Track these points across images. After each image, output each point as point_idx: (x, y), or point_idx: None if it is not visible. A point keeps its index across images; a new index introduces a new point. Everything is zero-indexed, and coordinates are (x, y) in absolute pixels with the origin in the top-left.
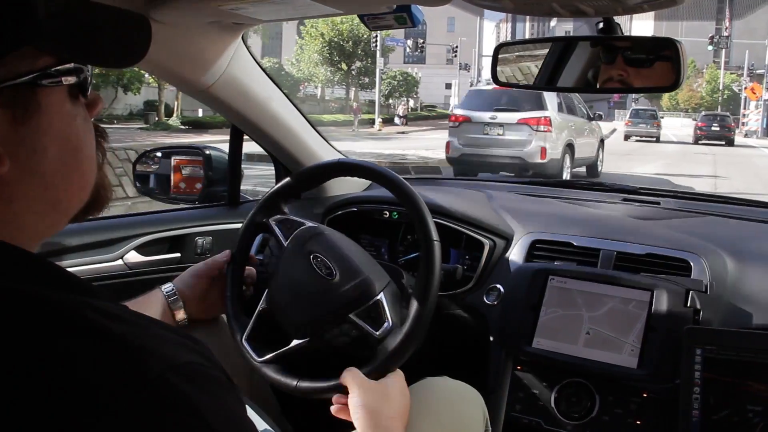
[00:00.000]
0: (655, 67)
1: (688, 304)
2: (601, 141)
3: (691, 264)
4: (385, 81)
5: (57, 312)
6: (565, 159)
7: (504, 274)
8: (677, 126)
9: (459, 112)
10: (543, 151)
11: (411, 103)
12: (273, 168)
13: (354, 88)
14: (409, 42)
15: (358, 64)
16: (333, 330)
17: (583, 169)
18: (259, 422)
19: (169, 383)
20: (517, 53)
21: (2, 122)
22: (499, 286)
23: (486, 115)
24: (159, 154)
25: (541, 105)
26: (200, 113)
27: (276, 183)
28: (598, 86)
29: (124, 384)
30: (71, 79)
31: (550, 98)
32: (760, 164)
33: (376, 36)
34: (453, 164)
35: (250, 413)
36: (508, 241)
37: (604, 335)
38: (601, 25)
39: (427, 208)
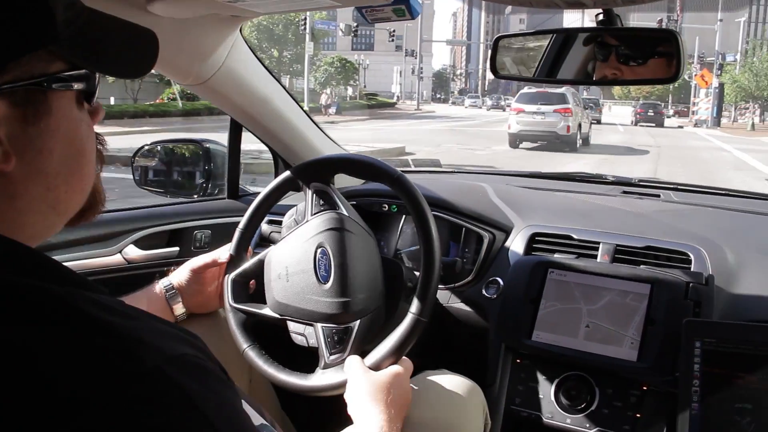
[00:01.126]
0: (649, 64)
1: (688, 297)
2: (590, 123)
3: (691, 256)
4: (321, 68)
5: (54, 304)
6: (577, 133)
7: (503, 268)
8: (627, 114)
9: (515, 105)
10: (568, 128)
11: (350, 91)
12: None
13: (288, 76)
14: (342, 25)
15: (291, 50)
16: (299, 326)
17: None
18: (256, 418)
19: (164, 375)
20: (516, 45)
21: (13, 121)
22: (498, 279)
23: (533, 107)
24: (158, 147)
25: (565, 101)
26: (111, 101)
27: (275, 176)
28: (595, 79)
29: (120, 376)
30: (80, 86)
31: (570, 96)
32: (708, 158)
33: (305, 18)
34: (512, 137)
35: (247, 409)
36: (507, 234)
37: (603, 328)
38: (600, 16)
39: (426, 203)
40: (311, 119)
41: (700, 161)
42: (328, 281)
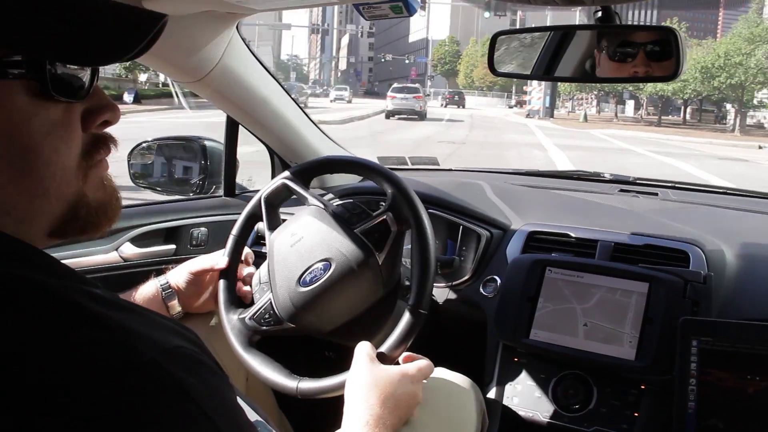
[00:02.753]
0: (672, 59)
1: (686, 296)
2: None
3: (690, 255)
4: None
5: (49, 296)
6: (425, 110)
7: (501, 266)
8: (471, 104)
9: (390, 94)
10: (420, 107)
11: (143, 77)
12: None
13: None
14: None
15: None
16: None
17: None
18: (251, 414)
19: (160, 367)
20: (514, 42)
21: None
22: (496, 277)
23: (401, 95)
24: (154, 144)
25: (418, 91)
26: None
27: (272, 175)
28: (599, 75)
29: (116, 367)
30: (24, 74)
31: (420, 88)
32: (499, 124)
33: None
34: (388, 112)
35: (241, 405)
36: (505, 232)
37: (601, 327)
38: (599, 14)
39: (420, 202)
40: (308, 117)
41: (497, 125)
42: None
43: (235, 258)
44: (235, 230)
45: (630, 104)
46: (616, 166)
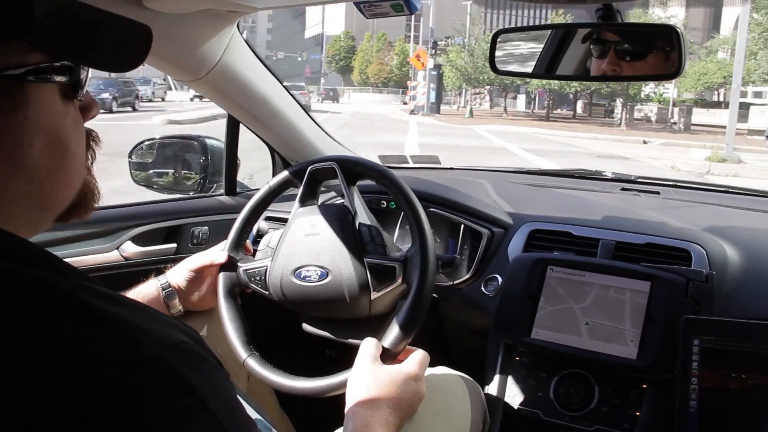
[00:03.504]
0: (648, 60)
1: (688, 294)
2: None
3: (691, 253)
4: None
5: (52, 293)
6: (310, 104)
7: (502, 265)
8: (365, 102)
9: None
10: (306, 102)
11: None
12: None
13: None
14: None
15: None
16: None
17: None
18: (251, 412)
19: (163, 362)
20: (515, 41)
21: None
22: (497, 276)
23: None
24: (155, 143)
25: (303, 88)
26: None
27: (273, 174)
28: (593, 74)
29: (119, 363)
30: (63, 78)
31: (304, 84)
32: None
33: None
34: None
35: (242, 403)
36: (506, 230)
37: (603, 326)
38: (600, 12)
39: (418, 201)
40: (309, 116)
41: (375, 123)
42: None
43: (235, 251)
44: (273, 182)
45: (522, 99)
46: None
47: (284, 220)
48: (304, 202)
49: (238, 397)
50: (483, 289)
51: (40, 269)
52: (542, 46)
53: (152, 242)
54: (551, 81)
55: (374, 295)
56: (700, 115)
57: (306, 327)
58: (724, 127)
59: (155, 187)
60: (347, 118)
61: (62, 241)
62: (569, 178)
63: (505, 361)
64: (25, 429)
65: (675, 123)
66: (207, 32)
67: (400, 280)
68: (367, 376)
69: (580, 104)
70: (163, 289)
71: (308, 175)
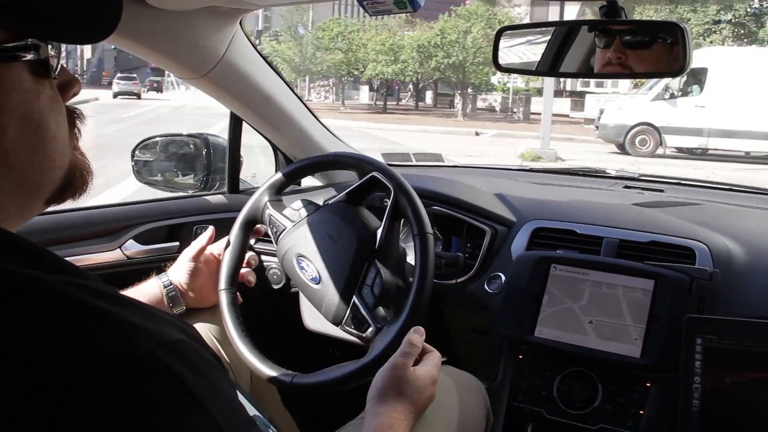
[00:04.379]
0: (654, 49)
1: (692, 293)
2: None
3: (695, 252)
4: None
5: (48, 292)
6: (141, 93)
7: (506, 263)
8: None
9: (116, 80)
10: (138, 90)
11: None
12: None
13: None
14: None
15: None
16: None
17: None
18: (250, 409)
19: (159, 361)
20: (519, 38)
21: None
22: (500, 274)
23: (123, 81)
24: (158, 141)
25: (136, 78)
26: None
27: (275, 170)
28: (598, 71)
29: (115, 361)
30: (29, 56)
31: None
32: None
33: None
34: (114, 94)
35: (243, 401)
36: (509, 228)
37: (606, 324)
38: (604, 9)
39: (419, 199)
40: (312, 113)
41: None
42: (319, 281)
43: (246, 233)
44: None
45: (365, 90)
46: None
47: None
48: (352, 199)
49: (241, 395)
50: (486, 287)
51: (36, 267)
52: (546, 42)
53: (155, 241)
54: (383, 69)
55: (344, 328)
56: (539, 104)
57: (308, 325)
58: (565, 115)
59: (158, 185)
60: (166, 109)
61: (65, 240)
62: (573, 176)
63: (508, 359)
64: (21, 427)
65: (515, 112)
66: (210, 29)
67: (364, 345)
68: (402, 376)
69: (430, 95)
70: (165, 287)
71: (370, 179)
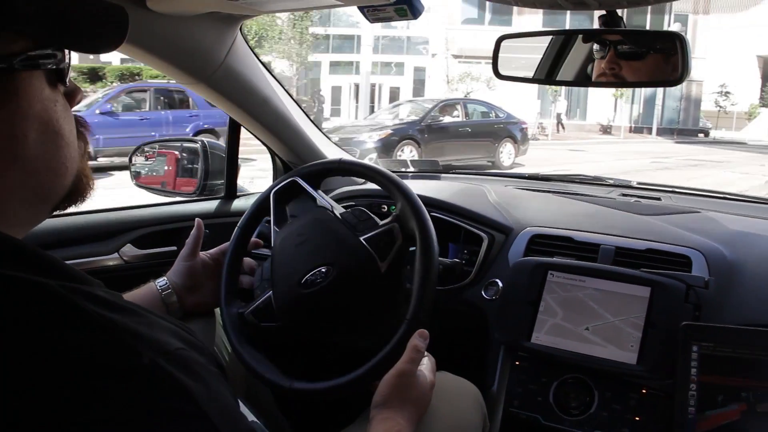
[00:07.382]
0: (648, 60)
1: (688, 300)
2: None
3: (692, 260)
4: None
5: (51, 300)
6: None
7: (503, 269)
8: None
9: None
10: None
11: None
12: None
13: None
14: None
15: None
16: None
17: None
18: (247, 414)
19: (161, 369)
20: (518, 46)
21: None
22: (497, 280)
23: None
24: (156, 146)
25: None
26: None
27: (273, 177)
28: (595, 80)
29: (116, 370)
30: (49, 64)
31: None
32: None
33: None
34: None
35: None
36: (506, 235)
37: (603, 331)
38: (604, 18)
39: (425, 208)
40: (310, 120)
41: None
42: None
43: (239, 251)
44: (241, 222)
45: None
46: None
47: (265, 257)
48: (280, 225)
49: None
50: (483, 293)
51: (40, 274)
52: (543, 51)
53: (153, 245)
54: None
55: (383, 266)
56: None
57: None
58: None
59: (156, 190)
60: None
61: (62, 243)
62: (569, 183)
63: (504, 365)
64: None
65: None
66: (210, 35)
67: (401, 239)
68: (409, 383)
69: None
70: (162, 291)
71: (273, 200)
